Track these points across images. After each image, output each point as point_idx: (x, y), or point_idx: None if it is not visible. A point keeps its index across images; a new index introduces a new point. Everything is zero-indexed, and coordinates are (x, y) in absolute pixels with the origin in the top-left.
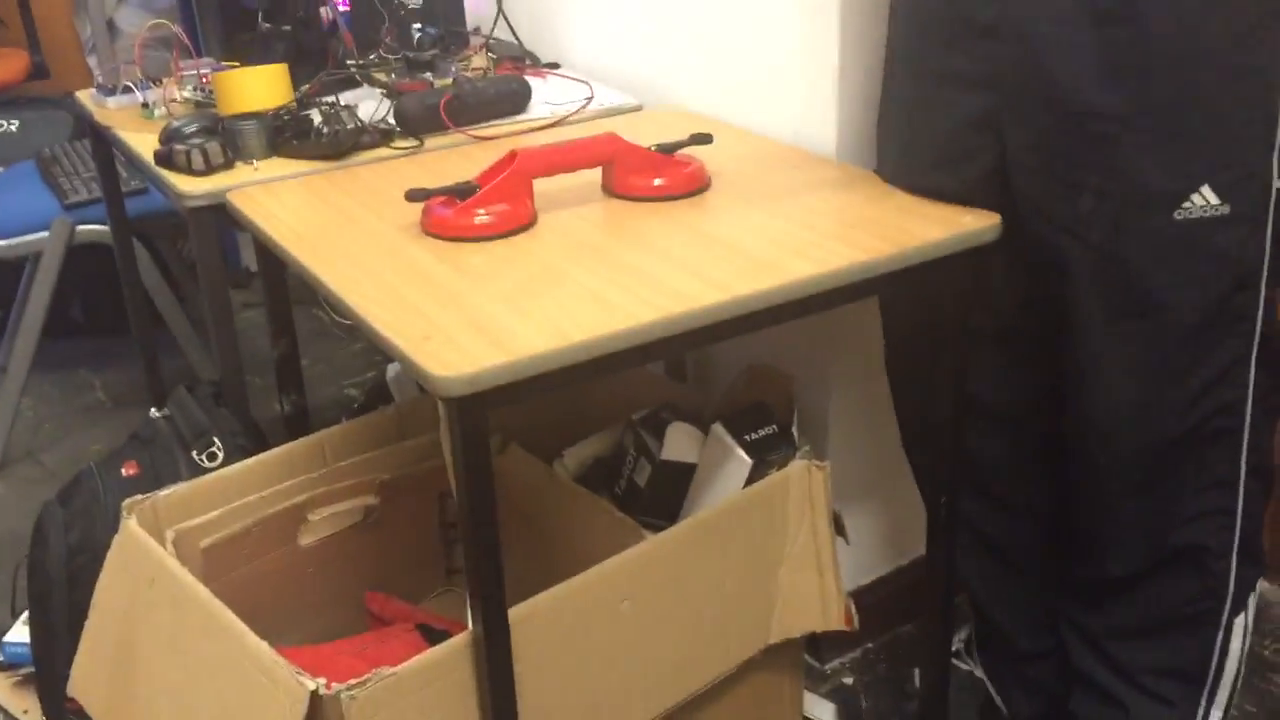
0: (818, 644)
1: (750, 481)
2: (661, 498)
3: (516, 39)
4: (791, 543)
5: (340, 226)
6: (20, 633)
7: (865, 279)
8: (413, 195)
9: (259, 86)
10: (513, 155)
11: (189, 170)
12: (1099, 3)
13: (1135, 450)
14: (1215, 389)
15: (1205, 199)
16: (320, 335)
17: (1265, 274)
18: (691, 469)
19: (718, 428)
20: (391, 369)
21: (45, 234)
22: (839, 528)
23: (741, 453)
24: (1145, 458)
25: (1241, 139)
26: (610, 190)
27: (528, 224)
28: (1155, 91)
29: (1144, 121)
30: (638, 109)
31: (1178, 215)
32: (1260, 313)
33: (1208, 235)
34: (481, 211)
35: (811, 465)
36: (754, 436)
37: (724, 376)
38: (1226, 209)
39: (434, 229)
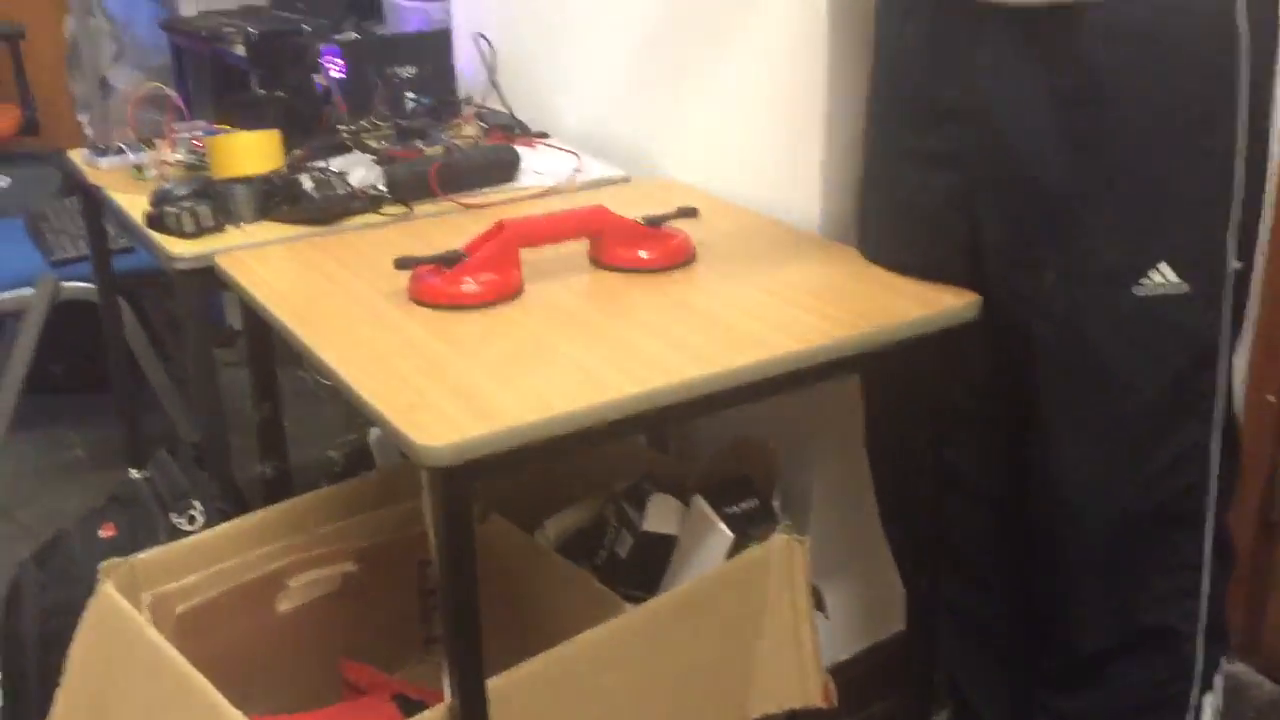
0: (797, 719)
1: (731, 555)
2: (642, 569)
3: (507, 108)
4: (771, 617)
5: (327, 292)
6: None
7: (848, 356)
8: (401, 263)
9: (251, 151)
10: (501, 225)
11: (179, 232)
12: (1062, 85)
13: (1099, 528)
14: (1178, 469)
15: (1164, 276)
16: (302, 396)
17: (1224, 355)
18: (673, 541)
19: (699, 500)
20: (374, 432)
21: (30, 290)
22: (818, 603)
23: (723, 526)
24: (1109, 536)
25: (1199, 218)
26: (597, 261)
27: (514, 294)
28: (1116, 171)
29: (1105, 199)
30: (625, 180)
31: (1137, 291)
32: (1220, 394)
33: (1166, 312)
34: (469, 280)
35: (792, 540)
36: (735, 510)
37: (706, 447)
38: (1186, 287)
39: (421, 297)
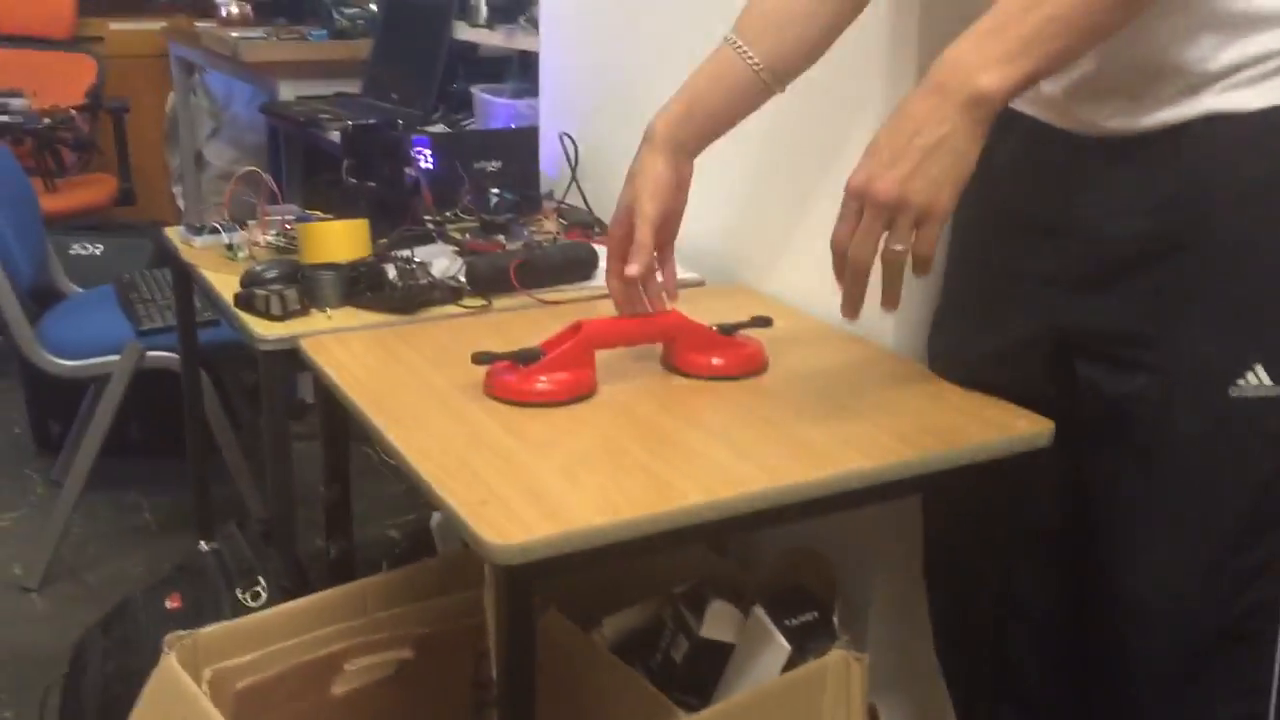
0: None
1: (788, 668)
2: (697, 676)
3: (587, 205)
4: None
5: (405, 381)
6: None
7: (916, 476)
8: (479, 358)
9: (340, 238)
10: (578, 325)
11: (266, 314)
12: (1163, 191)
13: (1171, 644)
14: (1255, 584)
15: (1259, 378)
16: (366, 473)
17: None
18: (729, 649)
19: (758, 611)
20: (436, 516)
21: (116, 357)
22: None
23: (781, 639)
24: (1180, 653)
25: None
26: (670, 365)
27: (588, 394)
28: (1216, 270)
29: (1206, 298)
30: (700, 284)
31: (1233, 392)
32: None
33: (1260, 415)
34: (544, 379)
35: (850, 657)
36: (794, 622)
37: (766, 553)
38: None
39: (497, 392)
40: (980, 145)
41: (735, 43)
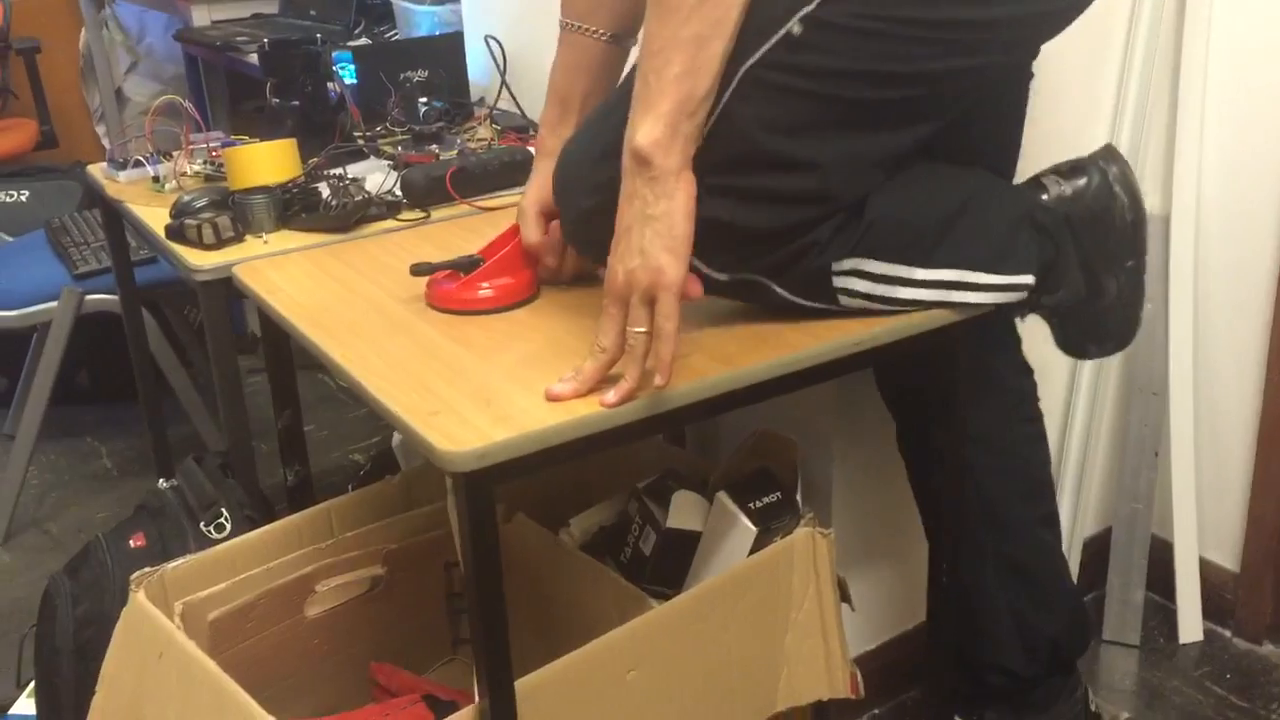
0: (824, 711)
1: (755, 549)
2: (667, 566)
3: (520, 109)
4: (797, 610)
5: (345, 300)
6: (25, 705)
7: (863, 351)
8: (417, 270)
9: (268, 161)
10: (515, 229)
11: (200, 244)
12: None
13: None
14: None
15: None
16: (325, 401)
17: None
18: (696, 537)
19: (722, 496)
20: (397, 435)
21: (54, 303)
22: (844, 594)
23: (746, 521)
24: None
25: None
26: None
27: (530, 296)
28: None
29: None
30: None
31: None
32: None
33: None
34: (485, 285)
35: (816, 533)
36: (758, 504)
37: (725, 440)
38: None
39: (438, 303)
40: (674, 200)
41: (572, 25)
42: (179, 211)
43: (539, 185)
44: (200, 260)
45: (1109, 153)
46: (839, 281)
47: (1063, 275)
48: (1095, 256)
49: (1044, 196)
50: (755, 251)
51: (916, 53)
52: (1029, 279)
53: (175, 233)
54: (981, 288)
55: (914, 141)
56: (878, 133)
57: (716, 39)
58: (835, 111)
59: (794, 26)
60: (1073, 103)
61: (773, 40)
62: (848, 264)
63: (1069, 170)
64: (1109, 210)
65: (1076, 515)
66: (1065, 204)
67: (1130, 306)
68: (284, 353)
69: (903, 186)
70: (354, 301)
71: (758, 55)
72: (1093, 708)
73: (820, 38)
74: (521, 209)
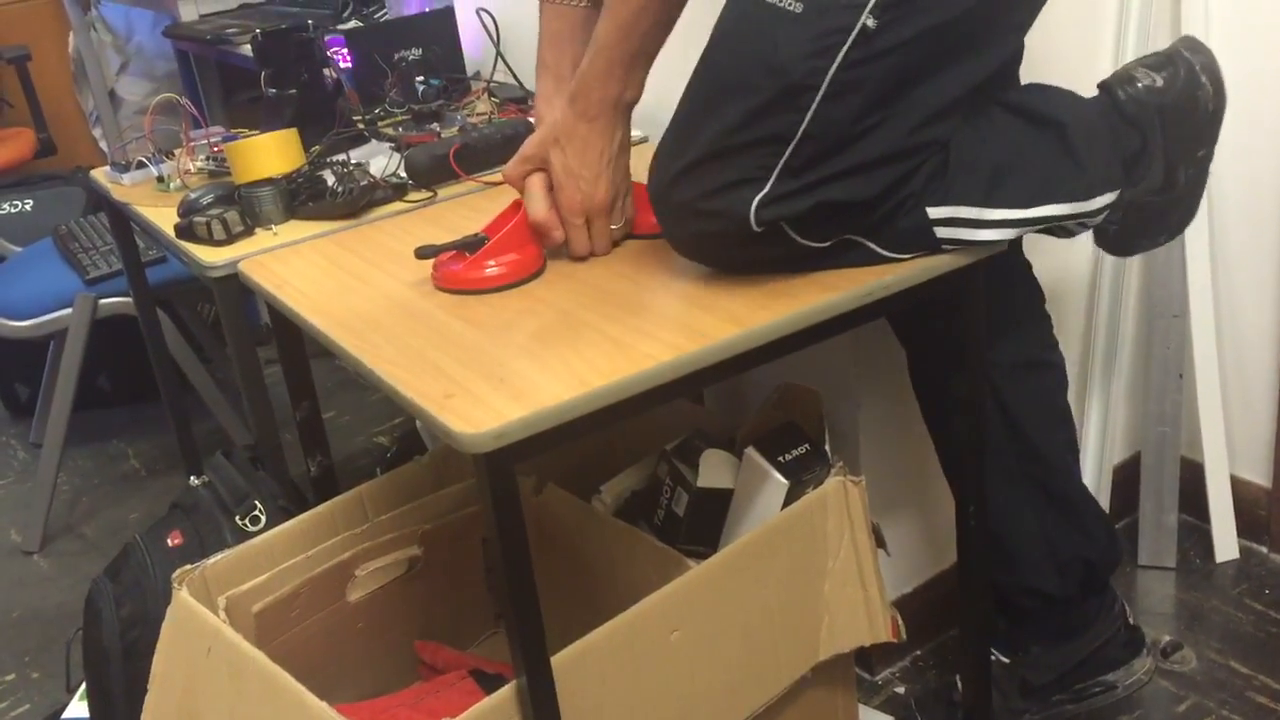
0: (867, 656)
1: (788, 502)
2: (701, 525)
3: (517, 80)
4: (833, 559)
5: (352, 288)
6: (78, 708)
7: (876, 300)
8: (422, 252)
9: (271, 153)
10: (517, 204)
11: (210, 241)
12: None
13: None
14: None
15: None
16: (344, 385)
17: None
18: (728, 494)
19: (751, 451)
20: None
21: (69, 310)
22: (879, 540)
23: (777, 475)
24: None
25: None
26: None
27: (537, 271)
28: None
29: None
30: (644, 141)
31: None
32: None
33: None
34: (491, 264)
35: (847, 481)
36: (788, 457)
37: (748, 395)
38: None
39: (446, 284)
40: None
41: None
42: (187, 209)
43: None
44: (212, 257)
45: (1192, 43)
46: (941, 231)
47: (1146, 168)
48: (1176, 147)
49: (1137, 87)
50: (856, 215)
51: None
52: (1115, 196)
53: (185, 231)
54: (1077, 216)
55: (983, 75)
56: (951, 72)
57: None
58: (911, 72)
59: (868, 21)
60: (1075, 31)
61: (850, 40)
62: (944, 212)
63: (1157, 62)
64: (1195, 99)
65: (1104, 442)
66: (1156, 95)
67: (1194, 197)
68: (296, 346)
69: (984, 127)
70: (361, 289)
71: (840, 58)
72: (1131, 621)
73: (892, 16)
74: (528, 186)
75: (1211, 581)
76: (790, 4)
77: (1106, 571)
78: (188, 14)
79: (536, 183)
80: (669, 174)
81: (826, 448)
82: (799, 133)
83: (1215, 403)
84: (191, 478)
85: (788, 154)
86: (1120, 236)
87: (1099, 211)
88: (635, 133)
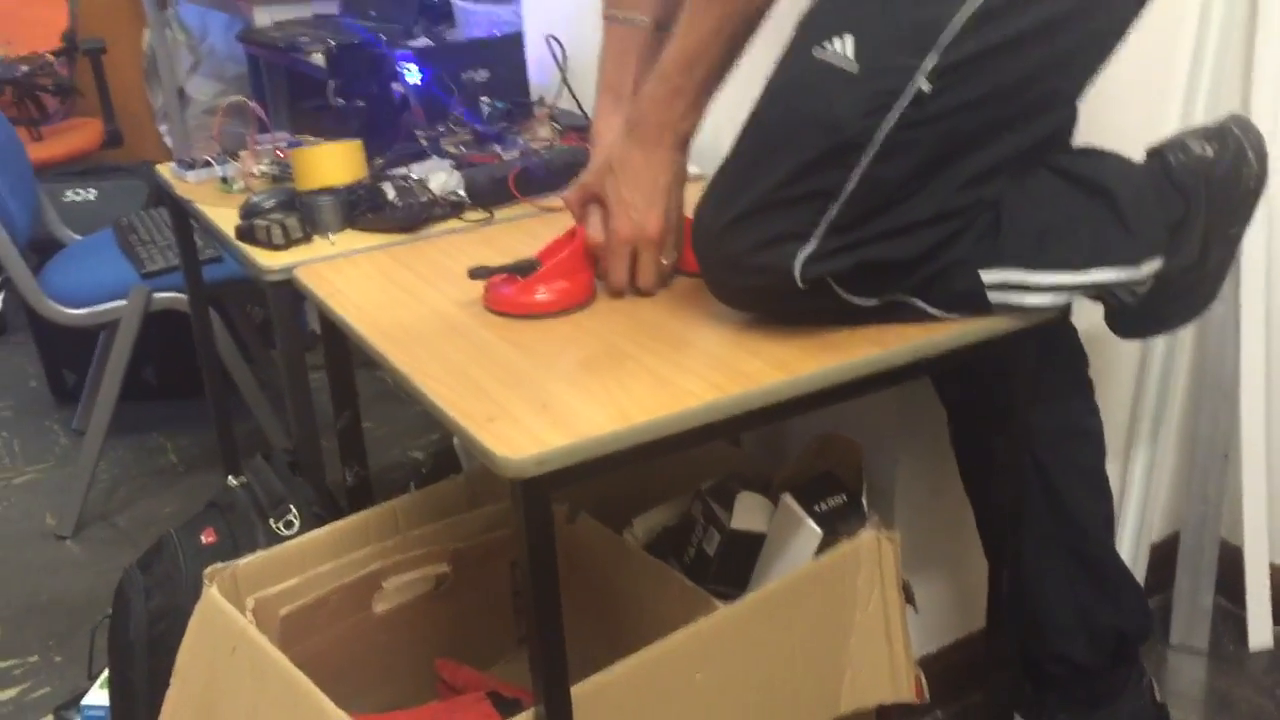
0: (888, 714)
1: (820, 551)
2: (731, 567)
3: (580, 108)
4: (861, 612)
5: (404, 303)
6: (98, 696)
7: (924, 358)
8: (475, 273)
9: (335, 162)
10: (574, 232)
11: (269, 244)
12: None
13: None
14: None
15: (844, 49)
16: (383, 397)
17: None
18: (761, 538)
19: (787, 498)
20: None
21: (123, 302)
22: (908, 597)
23: (812, 523)
24: None
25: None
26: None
27: (587, 301)
28: None
29: None
30: (700, 178)
31: (815, 52)
32: None
33: (828, 74)
34: (542, 289)
35: (881, 536)
36: (824, 507)
37: (785, 440)
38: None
39: (496, 306)
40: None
41: (616, 16)
42: (248, 212)
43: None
44: (270, 260)
45: (1243, 121)
46: (994, 295)
47: (1185, 239)
48: (1215, 221)
49: (1191, 154)
50: (902, 275)
51: (1034, 53)
52: (1160, 263)
53: (245, 233)
54: (1126, 283)
55: (1035, 139)
56: (1002, 138)
57: (723, 34)
58: (963, 137)
59: (923, 85)
60: (1141, 97)
61: (905, 103)
62: (997, 275)
63: (1209, 134)
64: (1240, 175)
65: (1144, 516)
66: (1206, 166)
67: (1218, 279)
68: (343, 354)
69: (1035, 190)
70: (412, 305)
71: (893, 120)
72: (1158, 698)
73: (948, 82)
74: (587, 213)
75: (1243, 669)
76: (846, 63)
77: (1137, 643)
78: (262, 20)
79: (596, 210)
80: (716, 226)
81: (863, 500)
82: (847, 190)
83: (1260, 487)
84: (230, 477)
85: (835, 211)
86: (1137, 313)
87: (1146, 279)
88: (692, 168)
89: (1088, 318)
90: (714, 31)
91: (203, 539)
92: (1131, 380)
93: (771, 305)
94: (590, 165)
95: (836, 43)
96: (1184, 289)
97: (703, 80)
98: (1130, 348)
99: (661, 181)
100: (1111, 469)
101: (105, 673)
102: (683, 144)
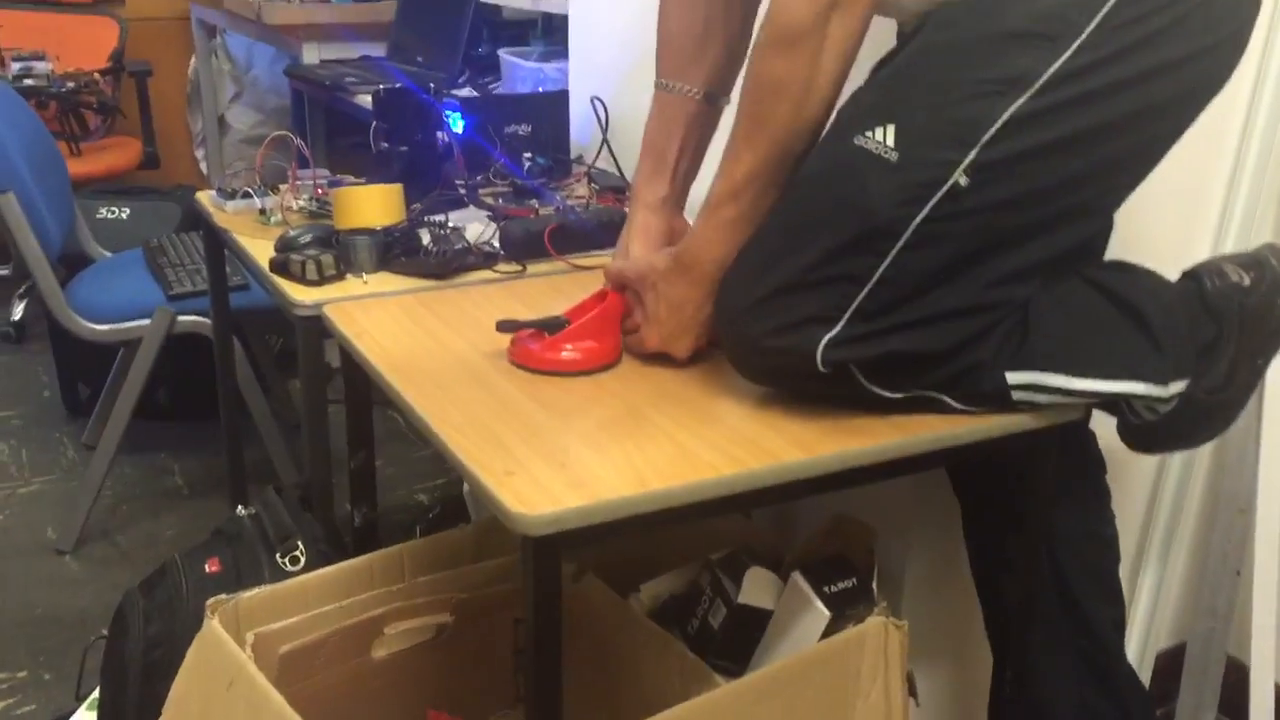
0: None
1: (827, 634)
2: (734, 642)
3: (619, 169)
4: (863, 700)
5: (430, 350)
6: (85, 717)
7: (945, 449)
8: (503, 326)
9: (375, 204)
10: (604, 294)
11: (302, 279)
12: None
13: None
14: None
15: (884, 138)
16: (393, 437)
17: None
18: (767, 615)
19: (797, 577)
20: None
21: (146, 321)
22: (911, 688)
23: (820, 605)
24: None
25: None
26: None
27: (613, 362)
28: (904, 62)
29: (887, 78)
30: None
31: (855, 140)
32: None
33: (867, 160)
34: (569, 347)
35: (889, 623)
36: (833, 589)
37: (797, 515)
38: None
39: (521, 360)
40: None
41: (666, 85)
42: (284, 246)
43: (639, 239)
44: (301, 295)
45: (1276, 249)
46: (1018, 395)
47: (1213, 363)
48: (1244, 348)
49: (1227, 280)
50: (926, 369)
51: (1073, 161)
52: (1186, 385)
53: (280, 266)
54: (1151, 399)
55: (1068, 245)
56: (1035, 240)
57: (770, 165)
58: (995, 234)
59: (960, 178)
60: (1176, 210)
61: (939, 195)
62: (1024, 378)
63: (1246, 262)
64: (1273, 306)
65: (1151, 625)
66: (1240, 293)
67: (1240, 403)
68: (363, 394)
69: (1066, 297)
70: (438, 351)
71: (927, 210)
72: None
73: (984, 179)
74: (617, 274)
75: None
76: (886, 152)
77: None
78: (310, 57)
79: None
80: (741, 304)
81: (874, 585)
82: (875, 277)
83: (1270, 606)
84: (240, 507)
85: (861, 296)
86: (1156, 430)
87: (1171, 398)
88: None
89: (1105, 426)
90: (761, 159)
91: (207, 567)
92: (1148, 487)
93: (793, 385)
94: (630, 236)
95: (878, 131)
96: (1206, 409)
97: (749, 210)
98: (1147, 458)
99: (702, 315)
100: (1122, 573)
101: (94, 694)
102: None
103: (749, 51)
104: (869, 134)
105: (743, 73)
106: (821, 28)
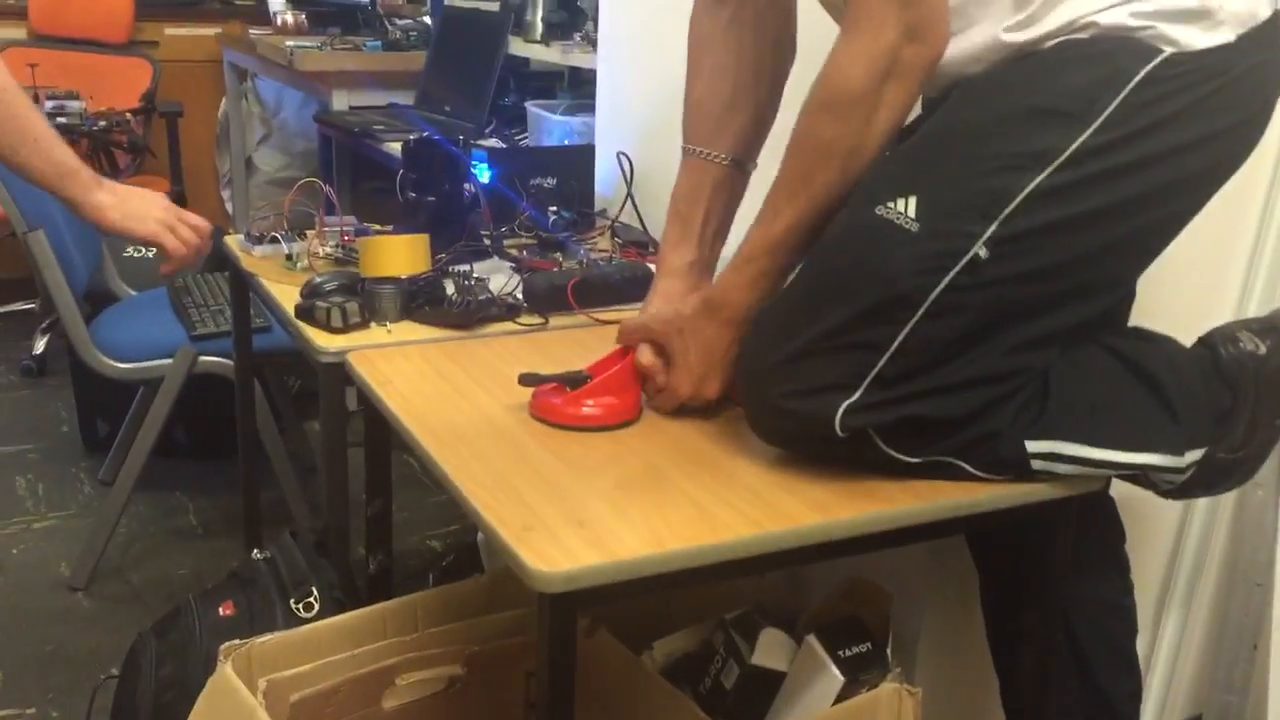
0: None
1: (840, 699)
2: (746, 703)
3: (643, 225)
4: None
5: (452, 401)
6: None
7: (963, 516)
8: (525, 380)
9: (401, 253)
10: (624, 350)
11: (327, 326)
12: None
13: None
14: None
15: (907, 209)
16: (407, 482)
17: None
18: (780, 677)
19: (812, 640)
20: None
21: (168, 360)
22: None
23: (834, 668)
24: None
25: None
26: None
27: (634, 419)
28: (927, 135)
29: (908, 150)
30: None
31: (878, 210)
32: None
33: (887, 230)
34: (590, 403)
35: (904, 690)
36: (848, 653)
37: (811, 576)
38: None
39: (541, 414)
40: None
41: (694, 150)
42: (310, 292)
43: (659, 304)
44: (326, 342)
45: None
46: (1038, 465)
47: (1230, 428)
48: (1262, 413)
49: (1241, 349)
50: (945, 434)
51: (1093, 235)
52: (1203, 454)
53: (305, 312)
54: (1167, 470)
55: (1088, 316)
56: (1054, 311)
57: (806, 221)
58: (1014, 306)
59: (980, 250)
60: (1198, 278)
61: (959, 266)
62: (1043, 446)
63: (1262, 328)
64: None
65: (1167, 697)
66: (1256, 361)
67: (1259, 459)
68: (383, 442)
69: (1085, 365)
70: (460, 403)
71: (946, 280)
72: None
73: (1004, 251)
74: (641, 326)
75: None
76: (907, 222)
77: None
78: (339, 103)
79: (651, 347)
80: (760, 368)
81: (888, 650)
82: (895, 345)
83: None
84: (255, 550)
85: (881, 364)
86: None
87: (1188, 468)
88: None
89: (1123, 488)
90: (800, 217)
91: (221, 611)
92: (1165, 556)
93: (811, 449)
94: (652, 302)
95: (900, 202)
96: (1223, 467)
97: (784, 264)
98: (1166, 526)
99: (731, 355)
100: (1138, 642)
101: None
102: (752, 317)
103: (800, 111)
104: (891, 204)
105: (776, 132)
106: (876, 95)
